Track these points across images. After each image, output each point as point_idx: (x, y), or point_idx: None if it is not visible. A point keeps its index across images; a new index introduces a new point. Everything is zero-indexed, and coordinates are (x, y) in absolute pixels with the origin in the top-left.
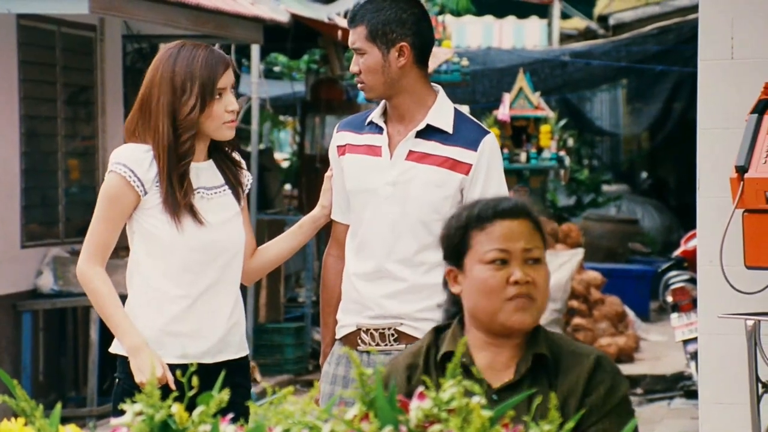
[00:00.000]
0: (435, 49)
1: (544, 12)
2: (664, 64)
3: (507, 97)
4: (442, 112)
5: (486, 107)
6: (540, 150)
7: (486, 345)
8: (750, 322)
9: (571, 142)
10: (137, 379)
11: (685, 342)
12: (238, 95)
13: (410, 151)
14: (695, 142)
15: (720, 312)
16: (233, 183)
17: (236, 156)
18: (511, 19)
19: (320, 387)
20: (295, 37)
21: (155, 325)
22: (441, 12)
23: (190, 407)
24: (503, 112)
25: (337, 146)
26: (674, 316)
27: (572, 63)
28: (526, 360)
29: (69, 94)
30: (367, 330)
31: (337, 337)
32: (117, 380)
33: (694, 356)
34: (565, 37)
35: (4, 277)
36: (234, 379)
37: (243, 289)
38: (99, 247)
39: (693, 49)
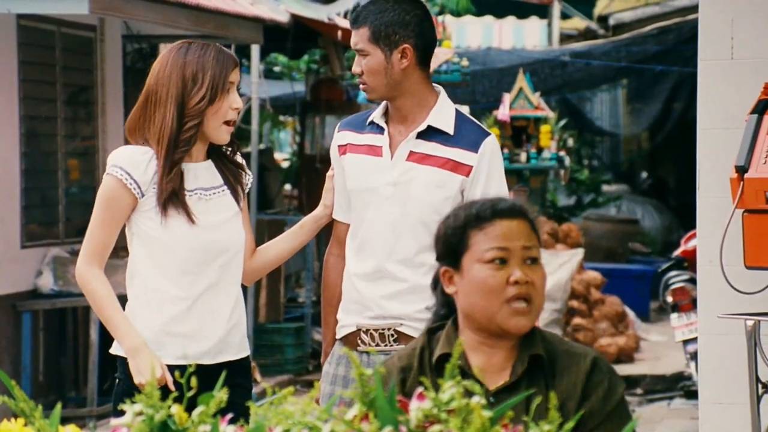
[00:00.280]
0: (435, 50)
1: (544, 12)
2: (664, 64)
3: (507, 98)
4: (444, 113)
5: (486, 107)
6: (540, 150)
7: (480, 346)
8: (750, 322)
9: (571, 142)
10: (136, 380)
11: (685, 342)
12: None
13: (411, 152)
14: (695, 142)
15: (720, 312)
16: (232, 183)
17: (238, 158)
18: (511, 20)
19: (320, 387)
20: (295, 37)
21: (155, 325)
22: (441, 12)
23: (191, 408)
24: (503, 113)
25: (338, 146)
26: (674, 316)
27: (572, 63)
28: (522, 361)
29: (69, 95)
30: (367, 330)
31: (338, 337)
32: (117, 381)
33: (694, 356)
34: (565, 38)
35: (4, 278)
36: (235, 379)
37: (243, 289)
38: (97, 249)
39: (693, 49)
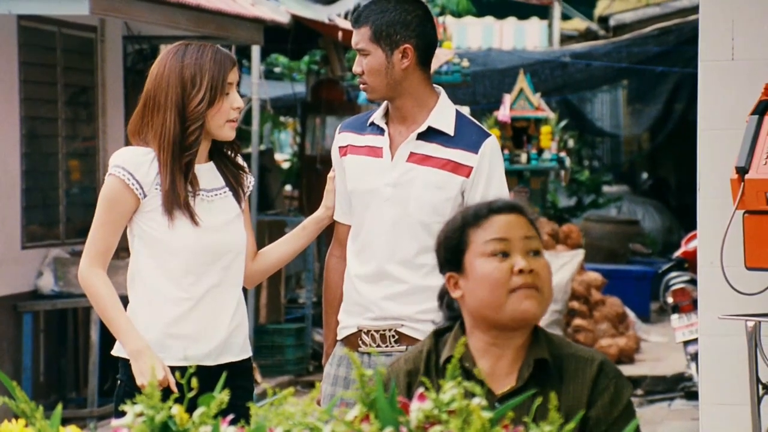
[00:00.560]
0: (436, 51)
1: (544, 13)
2: (665, 65)
3: (507, 98)
4: (444, 114)
5: (486, 108)
6: (540, 151)
7: (489, 348)
8: (750, 323)
9: (571, 143)
10: (138, 382)
11: (686, 343)
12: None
13: (411, 153)
14: (696, 143)
15: (720, 313)
16: (234, 185)
17: (239, 159)
18: (511, 20)
19: (321, 388)
20: (295, 38)
21: (157, 327)
22: (442, 13)
23: (192, 409)
24: (504, 113)
25: (339, 147)
26: (675, 317)
27: (573, 64)
28: (528, 365)
29: (69, 95)
30: (368, 331)
31: (339, 338)
32: (119, 382)
33: (694, 357)
34: (566, 38)
35: (5, 278)
36: (236, 381)
37: (243, 290)
38: (100, 250)
39: (693, 50)
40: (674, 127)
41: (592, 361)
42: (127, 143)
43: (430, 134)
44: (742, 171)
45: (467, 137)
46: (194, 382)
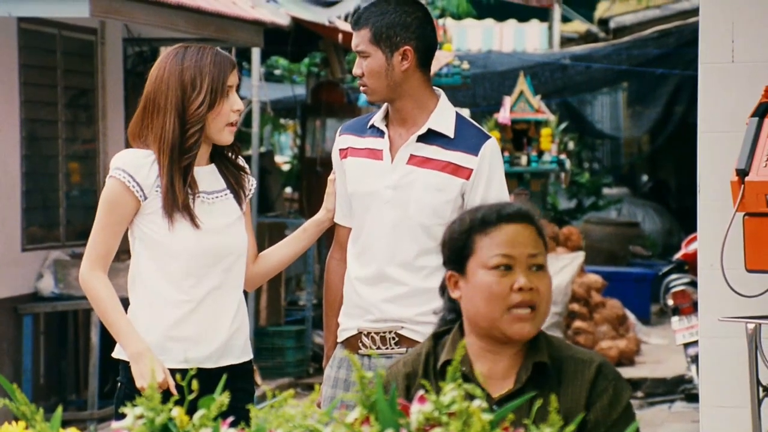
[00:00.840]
0: (436, 53)
1: (544, 15)
2: (665, 67)
3: (508, 101)
4: (444, 116)
5: (487, 110)
6: (540, 153)
7: (484, 353)
8: (751, 326)
9: (571, 145)
10: (138, 384)
11: (686, 345)
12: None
13: (411, 155)
14: (696, 145)
15: (721, 315)
16: (235, 187)
17: (240, 161)
18: (511, 23)
19: (322, 390)
20: (295, 40)
21: (158, 329)
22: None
23: (192, 412)
24: (504, 116)
25: (339, 149)
26: (675, 319)
27: (573, 66)
28: (526, 368)
29: (70, 98)
30: (368, 333)
31: (339, 340)
32: (119, 384)
33: (694, 359)
34: (566, 41)
35: (5, 280)
36: (237, 383)
37: (244, 292)
38: (101, 253)
39: (693, 52)
40: (674, 130)
41: (590, 363)
42: (128, 145)
43: (430, 136)
44: (742, 173)
45: (467, 139)
46: (195, 384)
